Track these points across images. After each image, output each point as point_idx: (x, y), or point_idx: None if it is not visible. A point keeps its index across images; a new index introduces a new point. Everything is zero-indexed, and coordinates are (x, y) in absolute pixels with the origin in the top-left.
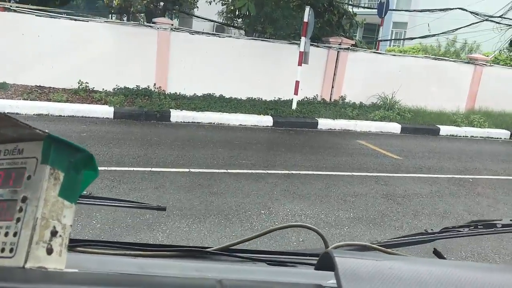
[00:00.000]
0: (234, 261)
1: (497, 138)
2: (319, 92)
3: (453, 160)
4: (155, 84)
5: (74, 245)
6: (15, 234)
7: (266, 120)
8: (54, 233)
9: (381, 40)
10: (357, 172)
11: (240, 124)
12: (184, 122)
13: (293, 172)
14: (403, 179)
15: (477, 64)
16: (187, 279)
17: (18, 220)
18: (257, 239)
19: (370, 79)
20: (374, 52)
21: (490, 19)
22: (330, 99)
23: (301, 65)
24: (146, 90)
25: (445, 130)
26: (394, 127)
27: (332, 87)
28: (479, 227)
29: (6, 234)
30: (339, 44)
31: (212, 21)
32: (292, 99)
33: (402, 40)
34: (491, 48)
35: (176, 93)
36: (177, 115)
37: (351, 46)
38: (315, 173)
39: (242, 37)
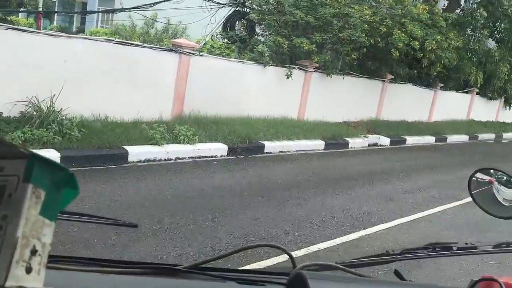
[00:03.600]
0: (204, 279)
1: (228, 159)
2: None
3: None
4: None
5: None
6: None
7: None
8: (33, 252)
9: (39, 12)
10: None
11: None
12: None
13: None
14: None
15: (183, 53)
16: None
17: None
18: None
19: (13, 73)
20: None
21: None
22: None
23: None
24: None
25: (136, 153)
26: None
27: None
28: (436, 249)
29: None
30: None
31: None
32: None
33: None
34: (202, 32)
35: None
36: None
37: None
38: None
39: None
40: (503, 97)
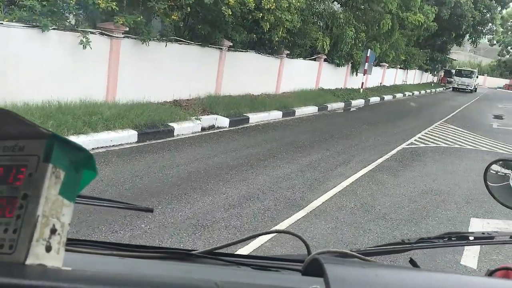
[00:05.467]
0: (218, 264)
1: None
2: None
3: None
4: None
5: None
6: (14, 231)
7: None
8: (53, 231)
9: None
10: None
11: None
12: None
13: None
14: None
15: None
16: (185, 279)
17: (18, 217)
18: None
19: None
20: None
21: None
22: None
23: None
24: None
25: None
26: None
27: None
28: (452, 239)
29: (6, 231)
30: None
31: None
32: None
33: None
34: None
35: None
36: None
37: None
38: None
39: None
40: (350, 62)
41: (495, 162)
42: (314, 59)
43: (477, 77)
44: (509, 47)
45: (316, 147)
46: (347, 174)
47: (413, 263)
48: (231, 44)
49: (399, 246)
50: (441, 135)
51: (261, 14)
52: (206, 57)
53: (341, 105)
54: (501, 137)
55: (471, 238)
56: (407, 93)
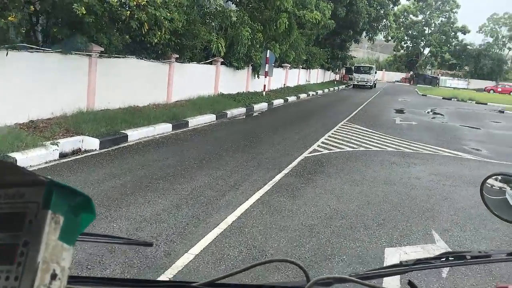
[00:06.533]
0: None
1: None
2: None
3: None
4: None
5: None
6: (16, 278)
7: None
8: (53, 276)
9: None
10: None
11: None
12: None
13: None
14: None
15: None
16: None
17: (19, 264)
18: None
19: None
20: None
21: None
22: None
23: None
24: None
25: None
26: None
27: None
28: (450, 259)
29: (7, 278)
30: None
31: None
32: None
33: None
34: None
35: None
36: None
37: None
38: None
39: None
40: (250, 65)
41: (491, 176)
42: (210, 63)
43: (375, 72)
44: (402, 42)
45: (205, 168)
46: (236, 203)
47: (411, 285)
48: (103, 49)
49: (397, 269)
50: (346, 137)
51: (128, 12)
52: (71, 67)
53: (242, 110)
54: (405, 133)
55: (468, 257)
56: (311, 93)
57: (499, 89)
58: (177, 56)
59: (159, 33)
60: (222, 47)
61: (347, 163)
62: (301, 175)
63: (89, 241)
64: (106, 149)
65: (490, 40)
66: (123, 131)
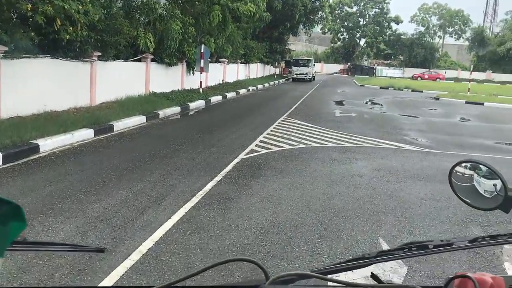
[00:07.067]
0: None
1: None
2: None
3: None
4: None
5: None
6: None
7: None
8: None
9: None
10: None
11: None
12: None
13: None
14: None
15: None
16: None
17: None
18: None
19: None
20: None
21: None
22: None
23: None
24: None
25: None
26: None
27: None
28: (412, 249)
29: None
30: None
31: None
32: None
33: None
34: None
35: None
36: None
37: None
38: None
39: None
40: (184, 61)
41: (460, 163)
42: (139, 60)
43: (314, 65)
44: (339, 34)
45: (124, 180)
46: (156, 224)
47: (374, 278)
48: (7, 48)
49: (359, 262)
50: (285, 133)
51: (29, 5)
52: None
53: (176, 109)
54: (345, 126)
55: (430, 246)
56: (251, 88)
57: (426, 76)
58: (100, 54)
59: (71, 28)
60: (151, 42)
61: (286, 164)
62: (235, 181)
63: (40, 250)
64: (11, 164)
65: (422, 29)
66: (33, 141)
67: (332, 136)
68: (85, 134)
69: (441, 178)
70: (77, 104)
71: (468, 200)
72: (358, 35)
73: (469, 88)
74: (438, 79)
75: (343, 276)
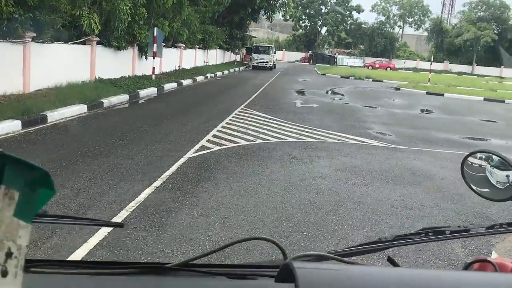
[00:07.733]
0: (194, 276)
1: None
2: None
3: None
4: None
5: (28, 265)
6: None
7: None
8: (9, 255)
9: None
10: None
11: None
12: None
13: None
14: None
15: None
16: None
17: None
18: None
19: None
20: None
21: None
22: None
23: None
24: None
25: None
26: None
27: None
28: (429, 234)
29: None
30: None
31: None
32: None
33: None
34: None
35: None
36: None
37: None
38: None
39: None
40: (135, 44)
41: (472, 154)
42: (84, 43)
43: (275, 52)
44: (301, 22)
45: None
46: (65, 251)
47: (391, 261)
48: None
49: (377, 245)
50: (241, 127)
51: None
52: None
53: (124, 98)
54: (306, 119)
55: (447, 232)
56: (209, 75)
57: (377, 65)
58: (34, 34)
59: None
60: (96, 23)
61: (240, 163)
62: (178, 187)
63: (59, 223)
64: None
65: (383, 18)
66: None
67: (293, 130)
68: (10, 126)
69: (410, 180)
70: (6, 91)
71: (479, 191)
72: (319, 23)
73: (429, 79)
74: (388, 68)
75: (358, 260)
